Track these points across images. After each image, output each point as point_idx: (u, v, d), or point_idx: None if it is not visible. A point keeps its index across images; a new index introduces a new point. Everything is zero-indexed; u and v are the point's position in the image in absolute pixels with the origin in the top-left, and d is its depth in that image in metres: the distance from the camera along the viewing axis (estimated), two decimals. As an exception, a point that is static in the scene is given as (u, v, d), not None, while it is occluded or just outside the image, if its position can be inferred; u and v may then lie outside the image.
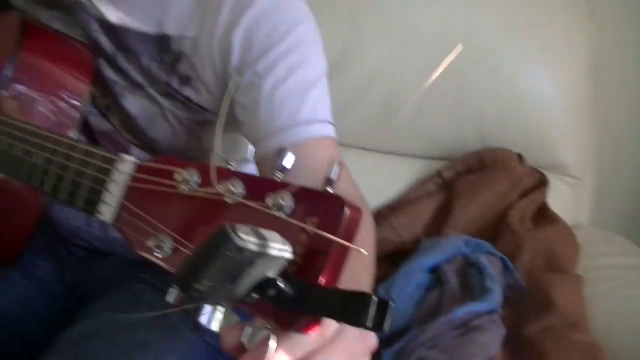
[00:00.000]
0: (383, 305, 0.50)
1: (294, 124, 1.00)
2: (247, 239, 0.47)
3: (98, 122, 1.19)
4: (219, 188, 0.58)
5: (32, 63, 1.09)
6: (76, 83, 1.11)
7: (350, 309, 0.50)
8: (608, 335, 1.26)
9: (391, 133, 1.66)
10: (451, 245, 1.39)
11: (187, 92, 1.11)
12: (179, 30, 1.08)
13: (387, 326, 0.50)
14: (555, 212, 1.53)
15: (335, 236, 0.52)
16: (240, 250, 0.47)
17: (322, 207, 0.54)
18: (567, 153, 1.68)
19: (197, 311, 0.55)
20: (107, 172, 0.69)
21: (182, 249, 0.59)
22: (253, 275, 0.50)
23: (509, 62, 1.64)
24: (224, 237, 0.46)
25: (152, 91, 1.13)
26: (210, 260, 0.47)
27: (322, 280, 0.52)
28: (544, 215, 1.53)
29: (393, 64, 1.63)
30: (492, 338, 1.10)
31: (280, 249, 0.50)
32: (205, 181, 0.60)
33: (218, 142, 0.61)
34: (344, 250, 0.53)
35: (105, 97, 1.18)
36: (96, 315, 1.10)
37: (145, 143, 1.18)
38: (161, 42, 1.10)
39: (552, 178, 1.62)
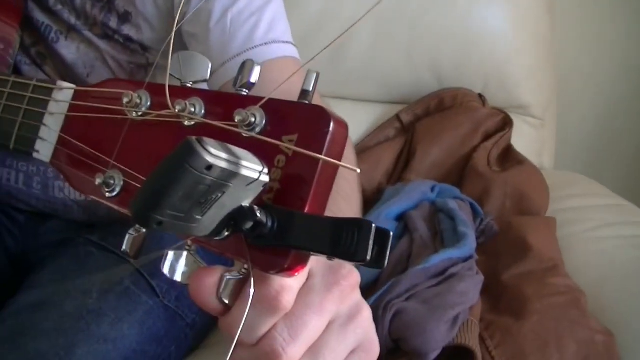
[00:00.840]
0: (382, 236, 0.42)
1: (251, 47, 0.92)
2: (217, 154, 0.38)
3: (31, 73, 1.09)
4: (176, 108, 0.48)
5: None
6: (3, 27, 1.00)
7: (344, 240, 0.42)
8: (585, 279, 1.19)
9: (344, 77, 1.57)
10: (416, 191, 1.30)
11: (127, 30, 1.02)
12: None
13: (386, 262, 0.42)
14: (521, 154, 1.46)
15: (321, 154, 0.44)
16: (210, 167, 0.38)
17: (302, 121, 0.45)
18: (528, 93, 1.62)
19: (157, 261, 0.47)
20: (43, 103, 0.58)
21: (135, 183, 0.49)
22: (224, 203, 0.41)
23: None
24: (189, 151, 0.37)
25: (88, 34, 1.04)
26: (174, 181, 0.37)
27: (306, 209, 0.44)
28: (510, 157, 1.46)
29: (340, 4, 1.54)
30: (471, 286, 1.03)
31: (255, 170, 0.41)
32: (158, 103, 0.50)
33: (170, 62, 0.51)
34: (331, 173, 0.45)
35: (36, 44, 1.08)
36: (43, 284, 1.01)
37: None
38: None
39: (514, 119, 1.55)
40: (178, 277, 0.47)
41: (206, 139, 0.38)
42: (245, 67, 0.49)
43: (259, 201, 0.43)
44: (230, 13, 0.93)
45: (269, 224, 0.43)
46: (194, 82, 0.51)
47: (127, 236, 0.50)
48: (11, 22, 1.01)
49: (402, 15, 1.54)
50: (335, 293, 0.49)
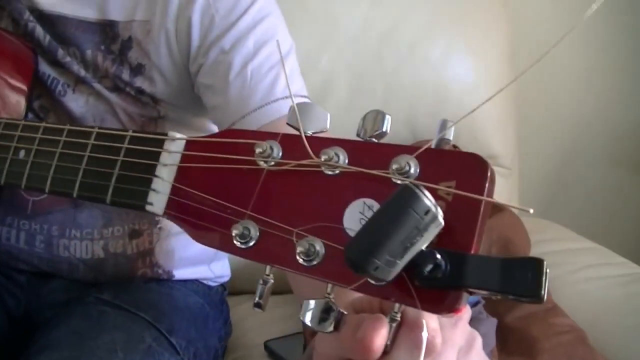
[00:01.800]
0: (545, 270, 0.43)
1: (273, 100, 0.93)
2: (431, 199, 0.39)
3: None
4: (321, 157, 0.49)
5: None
6: (16, 82, 0.99)
7: (515, 278, 0.43)
8: (581, 318, 1.24)
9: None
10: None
11: (140, 82, 1.01)
12: (126, 14, 0.99)
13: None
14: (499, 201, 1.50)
15: (480, 197, 0.45)
16: (427, 211, 0.38)
17: (458, 168, 0.46)
18: (497, 143, 1.67)
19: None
20: (154, 155, 0.57)
21: (274, 232, 0.49)
22: (417, 247, 0.42)
23: (434, 54, 1.62)
24: (413, 197, 0.38)
25: (98, 86, 1.03)
26: (398, 226, 0.38)
27: (472, 249, 0.45)
28: (490, 204, 1.50)
29: (319, 59, 1.57)
30: (489, 329, 1.05)
31: (441, 214, 0.42)
32: (292, 152, 0.51)
33: (296, 111, 0.51)
34: (487, 214, 0.46)
35: (40, 97, 1.06)
36: (60, 344, 0.97)
37: None
38: (106, 30, 1.00)
39: (486, 168, 1.59)
40: (326, 327, 0.47)
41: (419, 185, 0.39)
42: (374, 116, 0.50)
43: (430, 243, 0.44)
44: (251, 66, 0.94)
45: (443, 266, 0.43)
46: (314, 133, 0.52)
47: (259, 287, 0.50)
48: (23, 80, 0.99)
49: (378, 70, 1.58)
50: (460, 326, 0.52)
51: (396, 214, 0.38)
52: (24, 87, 0.99)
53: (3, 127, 0.73)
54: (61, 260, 1.09)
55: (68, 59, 1.02)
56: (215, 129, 1.08)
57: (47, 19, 1.01)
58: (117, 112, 1.04)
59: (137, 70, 1.01)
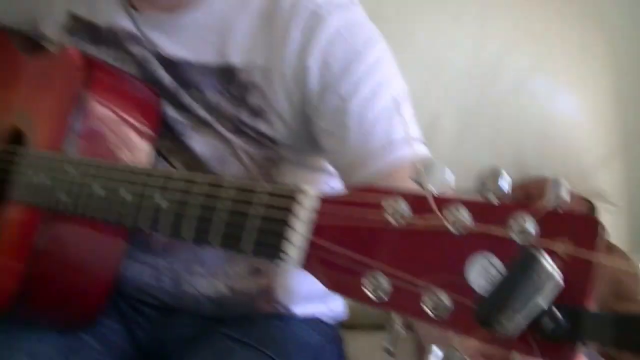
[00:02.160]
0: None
1: (390, 145, 0.95)
2: (552, 263, 0.43)
3: (158, 166, 1.11)
4: (446, 216, 0.53)
5: (100, 103, 1.02)
6: (144, 128, 1.06)
7: (629, 333, 0.46)
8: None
9: (429, 168, 1.63)
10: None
11: (259, 125, 1.05)
12: (245, 60, 1.03)
13: None
14: (609, 240, 1.50)
15: (594, 255, 0.49)
16: (548, 275, 0.43)
17: (571, 227, 0.50)
18: (603, 179, 1.67)
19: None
20: (291, 210, 0.62)
21: (403, 285, 0.54)
22: (540, 305, 0.46)
23: (540, 90, 1.63)
24: (536, 262, 0.42)
25: (220, 128, 1.07)
26: (524, 288, 0.42)
27: (588, 303, 0.48)
28: (600, 243, 1.50)
29: (427, 97, 1.60)
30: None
31: (560, 275, 0.46)
32: (419, 210, 0.55)
33: (421, 170, 0.56)
34: (600, 271, 0.50)
35: (164, 138, 1.10)
36: None
37: None
38: (226, 74, 1.05)
39: (593, 206, 1.60)
40: None
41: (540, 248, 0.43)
42: (493, 174, 0.54)
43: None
44: (368, 111, 0.97)
45: (562, 321, 0.47)
46: (439, 190, 0.56)
47: (390, 334, 0.55)
48: (150, 123, 1.06)
49: (484, 106, 1.61)
50: None
51: (521, 278, 0.42)
52: (151, 131, 1.06)
53: (145, 177, 0.79)
54: (187, 296, 1.16)
55: (191, 102, 1.07)
56: (332, 169, 1.11)
57: (171, 64, 1.07)
58: (237, 153, 1.08)
59: (257, 113, 1.05)
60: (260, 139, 1.07)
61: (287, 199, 0.63)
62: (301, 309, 1.19)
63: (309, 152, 1.10)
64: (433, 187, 0.56)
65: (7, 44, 1.24)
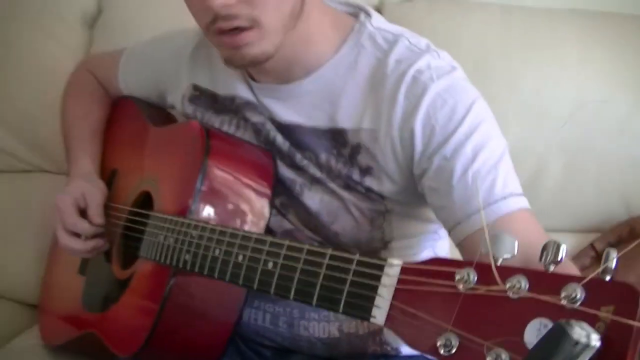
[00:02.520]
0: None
1: (492, 202, 1.01)
2: (580, 332, 0.50)
3: (278, 222, 1.23)
4: (506, 284, 0.61)
5: (220, 169, 1.15)
6: (260, 188, 1.17)
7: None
8: None
9: (538, 210, 1.66)
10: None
11: (369, 182, 1.14)
12: (354, 123, 1.12)
13: None
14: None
15: (635, 322, 0.55)
16: (576, 343, 0.50)
17: (615, 295, 0.57)
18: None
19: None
20: (376, 277, 0.72)
21: (470, 345, 0.63)
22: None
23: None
24: (563, 332, 0.50)
25: (332, 185, 1.16)
26: (553, 355, 0.50)
27: (629, 365, 0.55)
28: None
29: (534, 142, 1.66)
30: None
31: (596, 340, 0.53)
32: (484, 279, 0.64)
33: (488, 241, 0.64)
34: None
35: (280, 195, 1.21)
36: None
37: (328, 238, 1.20)
38: (337, 137, 1.14)
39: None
40: None
41: (571, 321, 0.51)
42: (552, 247, 0.62)
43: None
44: (471, 171, 1.02)
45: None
46: (504, 259, 0.64)
47: None
48: (266, 182, 1.18)
49: (590, 148, 1.65)
50: None
51: (550, 347, 0.50)
52: (268, 191, 1.17)
53: (254, 242, 0.91)
54: (301, 338, 1.26)
55: (305, 162, 1.17)
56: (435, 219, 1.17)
57: (286, 129, 1.19)
58: (349, 207, 1.17)
59: (366, 171, 1.13)
60: (369, 195, 1.15)
61: (375, 268, 0.73)
62: (409, 348, 1.27)
63: (415, 205, 1.17)
64: (500, 256, 0.64)
65: (139, 116, 1.40)
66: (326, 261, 0.79)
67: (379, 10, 1.79)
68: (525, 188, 1.61)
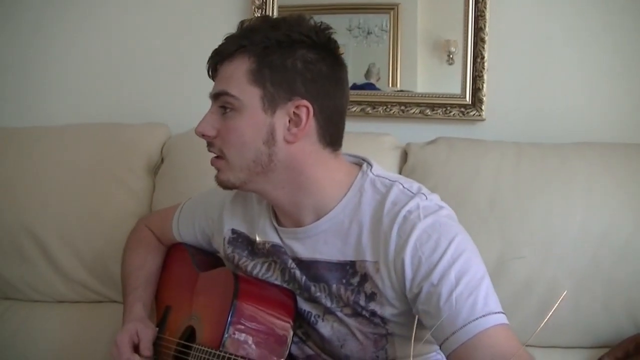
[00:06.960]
0: None
1: (473, 319, 1.20)
2: None
3: (301, 349, 1.44)
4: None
5: (247, 308, 1.38)
6: (282, 322, 1.39)
7: None
8: None
9: (551, 328, 1.80)
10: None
11: (373, 306, 1.34)
12: (360, 256, 1.34)
13: None
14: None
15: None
16: None
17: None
18: None
19: None
20: None
21: None
22: None
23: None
24: None
25: (341, 314, 1.37)
26: None
27: None
28: None
29: (544, 266, 1.80)
30: None
31: None
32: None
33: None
34: None
35: (301, 326, 1.43)
36: None
37: None
38: (346, 268, 1.36)
39: None
40: None
41: None
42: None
43: None
44: (455, 294, 1.22)
45: None
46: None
47: None
48: (288, 318, 1.40)
49: (598, 270, 1.78)
50: None
51: None
52: (290, 323, 1.40)
53: None
54: None
55: (319, 293, 1.38)
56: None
57: (304, 264, 1.41)
58: (354, 333, 1.38)
59: (371, 297, 1.34)
60: (373, 319, 1.36)
61: None
62: None
63: (412, 327, 1.36)
64: None
65: (188, 262, 1.67)
66: None
67: (405, 151, 2.03)
68: (538, 308, 1.79)
